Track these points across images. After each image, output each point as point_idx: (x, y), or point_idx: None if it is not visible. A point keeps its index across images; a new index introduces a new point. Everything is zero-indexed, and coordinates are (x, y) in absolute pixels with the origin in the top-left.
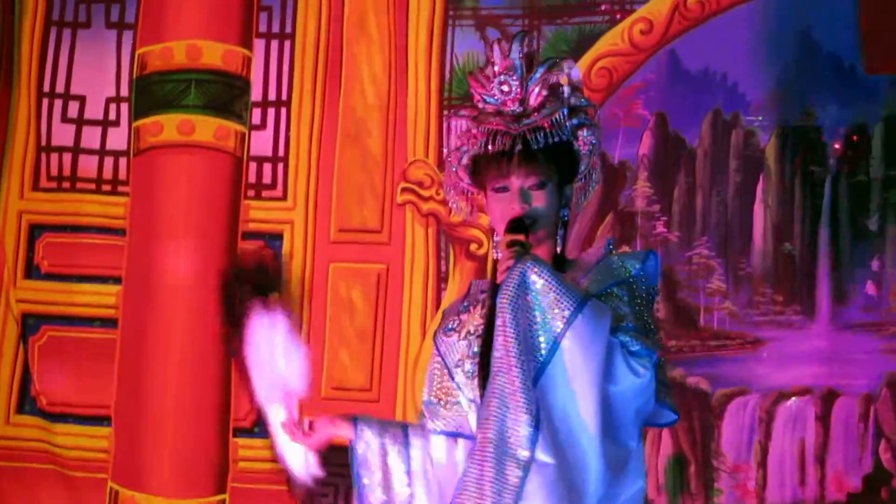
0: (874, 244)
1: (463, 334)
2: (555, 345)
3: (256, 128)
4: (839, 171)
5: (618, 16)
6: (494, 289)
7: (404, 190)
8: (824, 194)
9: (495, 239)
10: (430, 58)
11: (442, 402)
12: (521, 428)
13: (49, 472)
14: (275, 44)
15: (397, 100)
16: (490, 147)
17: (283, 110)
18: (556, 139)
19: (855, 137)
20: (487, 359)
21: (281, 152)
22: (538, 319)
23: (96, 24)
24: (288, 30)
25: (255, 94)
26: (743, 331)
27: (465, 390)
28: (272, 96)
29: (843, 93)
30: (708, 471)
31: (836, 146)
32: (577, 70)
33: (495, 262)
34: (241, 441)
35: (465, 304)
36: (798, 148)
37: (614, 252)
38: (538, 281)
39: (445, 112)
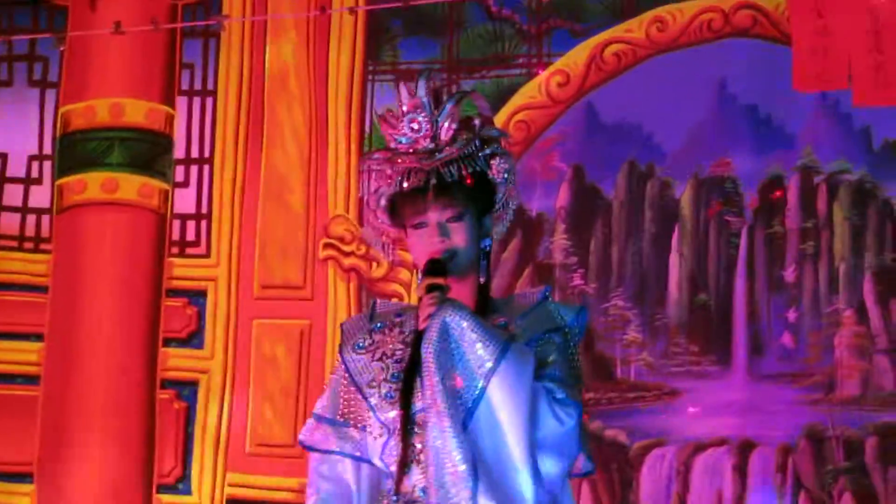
0: (790, 295)
1: (378, 355)
2: (481, 391)
3: (180, 185)
4: (755, 222)
5: (535, 68)
6: (418, 331)
7: (326, 245)
8: (740, 245)
9: (419, 277)
10: (349, 113)
11: (352, 424)
12: (460, 479)
13: None
14: (197, 101)
15: (318, 155)
16: (405, 184)
17: (206, 167)
18: (470, 170)
19: (775, 192)
20: (410, 387)
21: (204, 209)
22: (462, 367)
23: (18, 83)
24: (210, 87)
25: (179, 152)
26: (660, 382)
27: (380, 412)
28: (195, 153)
29: (759, 144)
30: None
31: (752, 197)
32: (485, 103)
33: (420, 299)
34: (164, 497)
35: (378, 324)
36: (713, 198)
37: (550, 299)
38: (459, 328)
39: (367, 150)
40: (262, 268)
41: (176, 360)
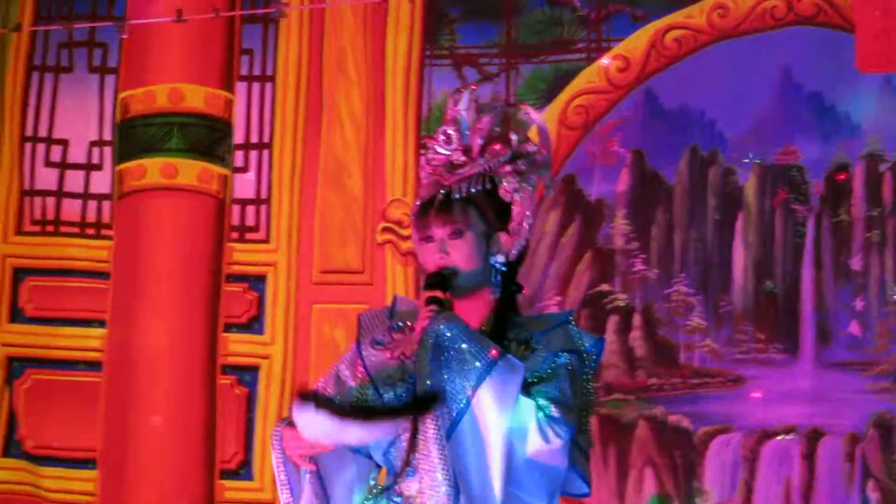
0: (857, 284)
1: (396, 354)
2: (466, 403)
3: (239, 170)
4: (822, 210)
5: (594, 53)
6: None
7: (384, 230)
8: (806, 233)
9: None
10: (407, 97)
11: None
12: (441, 490)
13: None
14: (256, 86)
15: (376, 139)
16: (424, 197)
17: (265, 152)
18: (479, 188)
19: (839, 176)
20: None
21: (263, 194)
22: (451, 378)
23: (78, 69)
24: (269, 72)
25: (238, 137)
26: (724, 368)
27: None
28: (254, 139)
29: (824, 132)
30: None
31: (818, 185)
32: (536, 115)
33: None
34: (226, 483)
35: (399, 322)
36: (778, 185)
37: (573, 323)
38: (450, 341)
39: (422, 151)
40: (322, 252)
41: (236, 346)
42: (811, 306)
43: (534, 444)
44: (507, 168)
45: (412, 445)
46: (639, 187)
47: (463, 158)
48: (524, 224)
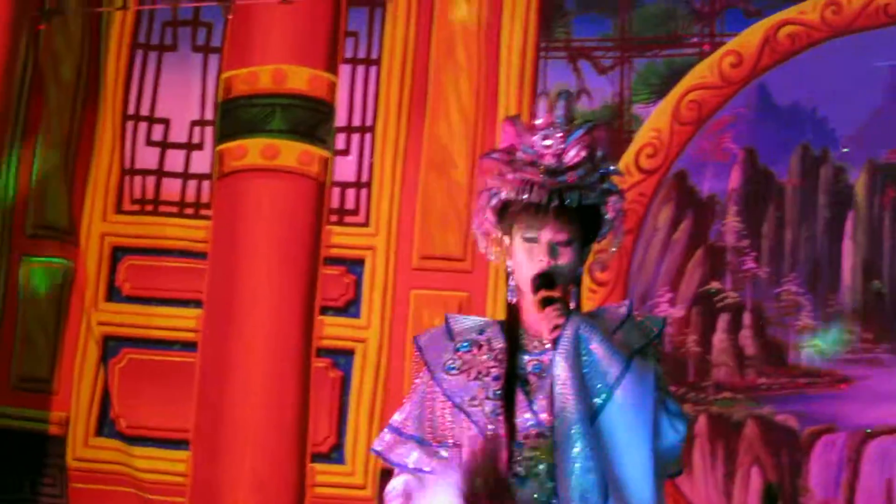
0: None
1: (473, 375)
2: (609, 396)
3: (340, 153)
4: None
5: (707, 48)
6: (513, 338)
7: None
8: None
9: (510, 283)
10: (521, 88)
11: (445, 442)
12: (592, 487)
13: (127, 495)
14: (360, 69)
15: (485, 129)
16: (525, 196)
17: (368, 136)
18: (589, 200)
19: None
20: (511, 402)
21: (364, 178)
22: (591, 374)
23: (182, 48)
24: (374, 56)
25: (340, 120)
26: (832, 368)
27: (482, 429)
28: (357, 122)
29: None
30: None
31: None
32: (606, 138)
33: (511, 305)
34: (318, 466)
35: (463, 343)
36: (887, 184)
37: (635, 314)
38: (591, 339)
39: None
40: (422, 238)
41: (332, 329)
42: None
43: (668, 439)
44: (605, 186)
45: (512, 457)
46: (750, 184)
47: (555, 164)
48: (614, 242)
